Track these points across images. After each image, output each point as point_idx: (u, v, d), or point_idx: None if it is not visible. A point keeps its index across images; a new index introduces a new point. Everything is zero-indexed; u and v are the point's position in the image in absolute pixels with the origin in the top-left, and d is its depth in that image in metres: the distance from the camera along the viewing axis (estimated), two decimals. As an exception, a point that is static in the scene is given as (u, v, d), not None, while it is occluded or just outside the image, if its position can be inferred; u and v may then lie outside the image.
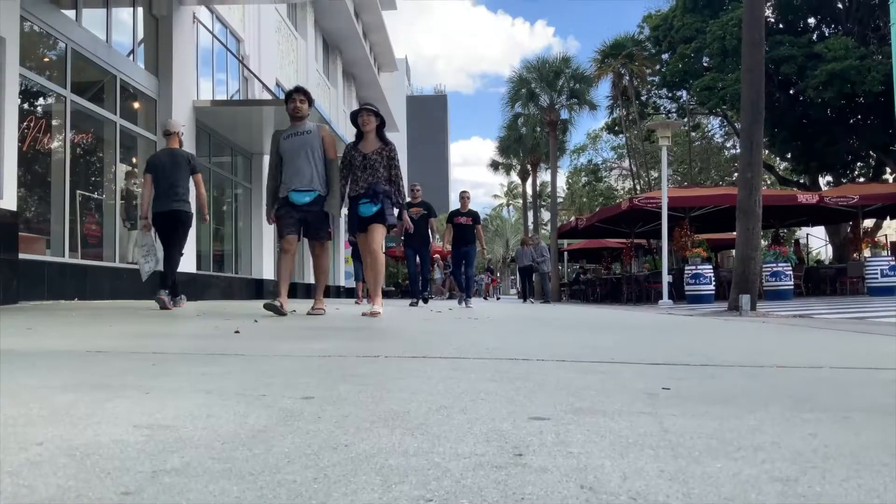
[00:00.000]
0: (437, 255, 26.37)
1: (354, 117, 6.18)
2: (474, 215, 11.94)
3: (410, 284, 12.63)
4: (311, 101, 6.09)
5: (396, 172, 6.16)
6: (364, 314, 5.79)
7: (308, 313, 6.06)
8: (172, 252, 6.87)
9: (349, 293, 26.10)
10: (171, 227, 6.82)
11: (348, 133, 8.35)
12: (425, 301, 11.77)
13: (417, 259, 11.56)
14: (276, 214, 5.95)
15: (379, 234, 6.08)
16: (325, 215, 5.97)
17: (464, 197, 12.21)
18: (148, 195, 6.79)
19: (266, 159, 16.47)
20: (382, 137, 6.15)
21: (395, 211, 6.20)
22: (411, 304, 10.91)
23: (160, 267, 6.89)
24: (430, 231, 11.53)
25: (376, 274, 6.15)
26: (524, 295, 22.84)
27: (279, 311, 5.61)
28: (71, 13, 9.32)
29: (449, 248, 12.63)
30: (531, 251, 20.73)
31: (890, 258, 15.26)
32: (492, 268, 48.43)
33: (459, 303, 11.50)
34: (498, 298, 34.50)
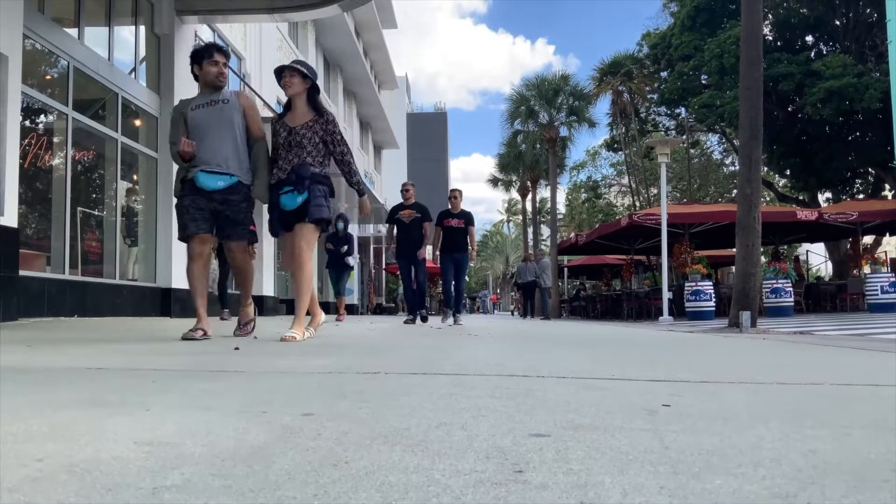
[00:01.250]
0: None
1: (279, 77, 4.77)
2: (467, 216, 10.30)
3: (407, 301, 11.35)
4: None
5: (342, 150, 4.78)
6: (283, 338, 4.44)
7: (236, 333, 5.09)
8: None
9: (350, 309, 26.06)
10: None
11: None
12: (423, 319, 10.29)
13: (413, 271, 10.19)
14: (177, 205, 4.68)
15: (306, 236, 4.67)
16: (247, 209, 4.76)
17: (454, 196, 10.53)
18: None
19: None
20: (315, 106, 4.77)
21: (329, 203, 4.79)
22: (406, 322, 9.86)
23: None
24: (425, 237, 10.18)
25: (299, 289, 4.72)
26: (525, 312, 22.74)
27: (203, 337, 4.51)
28: (73, 31, 9.38)
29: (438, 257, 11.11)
30: (534, 267, 20.63)
31: (890, 275, 15.25)
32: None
33: (444, 320, 10.28)
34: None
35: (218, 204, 4.62)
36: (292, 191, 4.61)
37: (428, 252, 10.86)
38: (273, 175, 4.74)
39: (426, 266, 10.66)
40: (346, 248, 12.14)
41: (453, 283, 10.40)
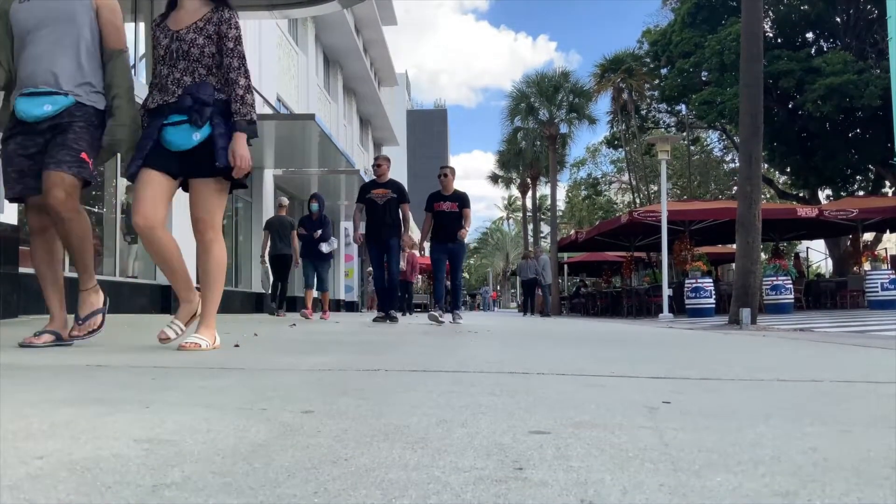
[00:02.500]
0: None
1: None
2: (461, 199, 8.68)
3: (378, 296, 9.75)
4: None
5: (230, 62, 3.31)
6: (182, 346, 3.31)
7: (71, 334, 3.61)
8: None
9: (350, 307, 26.07)
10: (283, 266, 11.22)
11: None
12: (393, 319, 8.57)
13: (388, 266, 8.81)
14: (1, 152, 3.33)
15: (211, 199, 3.34)
16: (83, 132, 3.22)
17: (445, 175, 8.79)
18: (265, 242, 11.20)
19: (267, 174, 16.52)
20: None
21: (235, 138, 3.26)
22: (375, 320, 8.65)
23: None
24: (403, 222, 8.71)
25: (208, 279, 3.41)
26: (525, 308, 22.86)
27: (50, 343, 3.42)
28: (73, 28, 9.38)
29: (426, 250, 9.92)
30: (534, 264, 20.74)
31: (890, 272, 15.25)
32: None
33: (433, 318, 8.44)
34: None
35: (43, 138, 3.22)
36: (185, 122, 3.23)
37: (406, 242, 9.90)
38: (152, 98, 3.37)
39: (418, 262, 10.08)
40: (319, 232, 10.36)
41: (448, 278, 8.84)
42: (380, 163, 8.92)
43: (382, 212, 8.58)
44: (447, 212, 8.57)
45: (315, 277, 10.67)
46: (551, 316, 20.19)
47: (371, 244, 8.73)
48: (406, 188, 8.99)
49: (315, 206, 10.56)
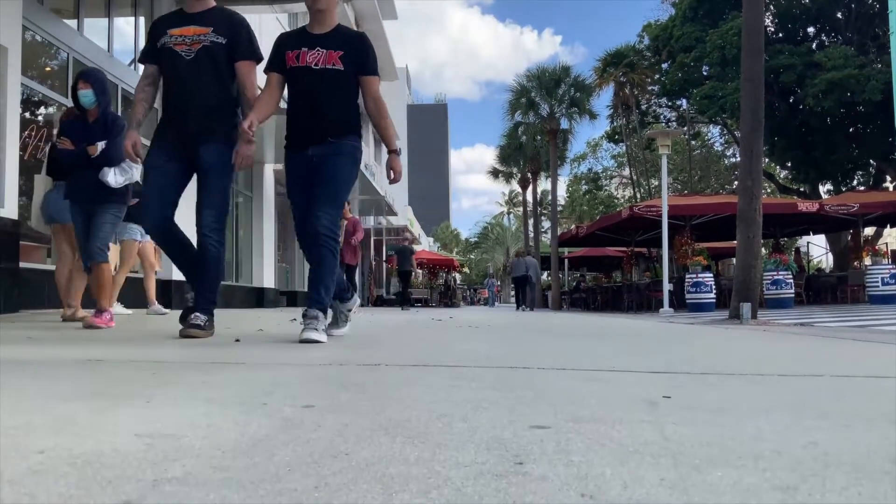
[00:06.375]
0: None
1: None
2: (354, 44, 3.97)
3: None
4: None
5: None
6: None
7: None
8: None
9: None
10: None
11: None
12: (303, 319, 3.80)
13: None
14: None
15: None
16: None
17: None
18: None
19: (267, 168, 16.51)
20: None
21: None
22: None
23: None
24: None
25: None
26: (518, 303, 23.66)
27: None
28: (72, 23, 9.36)
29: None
30: (524, 262, 21.84)
31: (891, 266, 15.25)
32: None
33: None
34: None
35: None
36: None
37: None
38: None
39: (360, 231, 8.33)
40: (100, 145, 5.12)
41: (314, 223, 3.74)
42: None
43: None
44: (316, 70, 3.82)
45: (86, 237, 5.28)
46: (534, 310, 20.70)
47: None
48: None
49: (89, 95, 5.14)
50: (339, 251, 4.22)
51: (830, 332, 5.79)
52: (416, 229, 38.34)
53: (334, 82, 3.90)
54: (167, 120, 4.16)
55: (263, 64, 4.06)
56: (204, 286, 4.04)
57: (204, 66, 4.06)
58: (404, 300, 18.32)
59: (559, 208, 37.15)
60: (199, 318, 3.89)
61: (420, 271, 33.61)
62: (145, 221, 4.28)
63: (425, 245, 48.11)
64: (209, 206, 4.01)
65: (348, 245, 12.24)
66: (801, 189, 29.25)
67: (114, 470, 1.05)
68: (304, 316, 3.70)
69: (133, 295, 8.32)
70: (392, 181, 3.99)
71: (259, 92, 4.01)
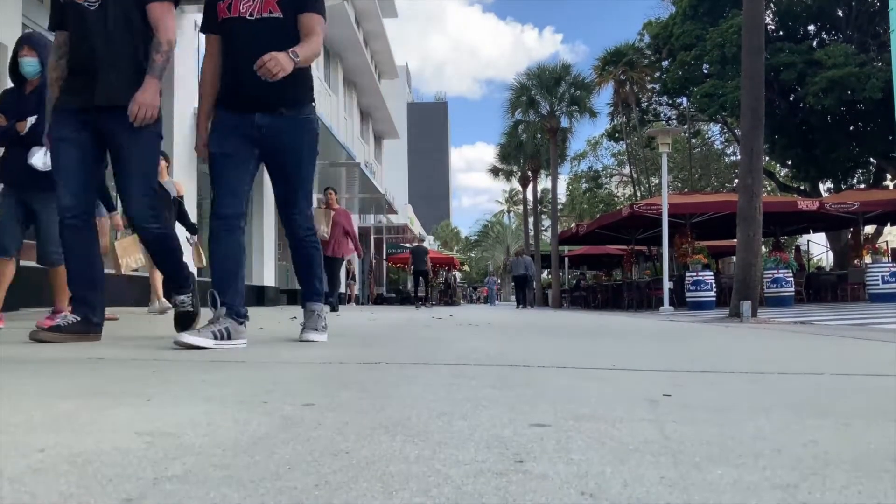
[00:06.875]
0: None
1: None
2: None
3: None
4: None
5: None
6: None
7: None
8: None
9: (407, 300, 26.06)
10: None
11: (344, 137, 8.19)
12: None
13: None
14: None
15: None
16: None
17: None
18: None
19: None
20: None
21: None
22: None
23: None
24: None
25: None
26: (518, 301, 23.86)
27: None
28: (73, 21, 9.34)
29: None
30: (522, 261, 22.50)
31: (891, 264, 15.25)
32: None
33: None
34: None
35: None
36: None
37: None
38: None
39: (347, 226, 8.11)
40: (31, 120, 4.71)
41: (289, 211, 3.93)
42: None
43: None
44: (252, 20, 3.31)
45: (25, 231, 5.35)
46: (532, 308, 21.07)
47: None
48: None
49: (34, 64, 4.64)
50: (329, 243, 4.24)
51: (830, 331, 5.79)
52: (417, 227, 38.32)
53: (274, 34, 3.23)
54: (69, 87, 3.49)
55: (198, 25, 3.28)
56: (166, 271, 4.04)
57: (111, 15, 3.39)
58: (418, 298, 19.18)
59: (559, 206, 37.12)
60: (183, 301, 4.04)
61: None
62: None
63: (425, 243, 48.10)
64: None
65: (342, 237, 11.47)
66: (802, 187, 29.24)
67: (114, 468, 1.05)
68: (304, 309, 3.71)
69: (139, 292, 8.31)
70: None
71: (173, 35, 3.46)
